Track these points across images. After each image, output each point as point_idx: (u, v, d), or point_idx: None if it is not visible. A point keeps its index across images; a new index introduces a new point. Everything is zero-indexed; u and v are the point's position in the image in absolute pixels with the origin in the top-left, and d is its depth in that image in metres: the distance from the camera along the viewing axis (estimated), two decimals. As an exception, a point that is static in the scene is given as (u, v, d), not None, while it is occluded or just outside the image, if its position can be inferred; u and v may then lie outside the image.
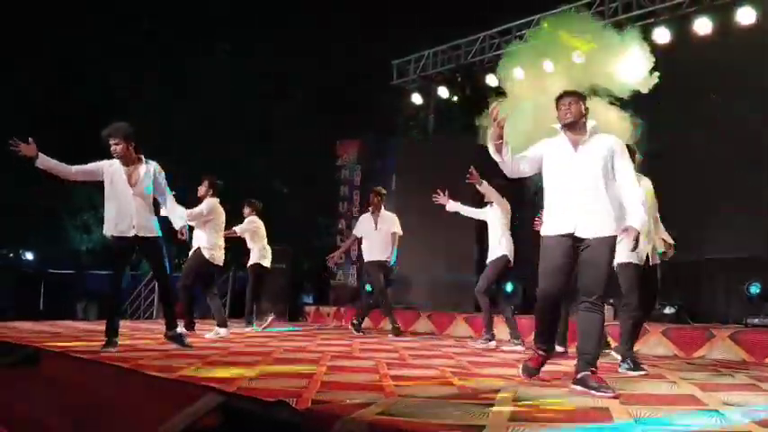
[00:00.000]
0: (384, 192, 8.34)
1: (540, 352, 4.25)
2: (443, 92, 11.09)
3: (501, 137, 4.07)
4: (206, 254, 7.08)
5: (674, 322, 7.22)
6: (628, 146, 4.33)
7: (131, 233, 5.46)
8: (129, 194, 5.46)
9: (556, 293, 4.05)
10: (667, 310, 7.13)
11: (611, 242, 3.95)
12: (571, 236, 3.97)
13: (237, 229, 8.19)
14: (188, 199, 7.07)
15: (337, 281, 12.44)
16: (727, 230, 7.87)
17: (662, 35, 8.45)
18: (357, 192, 12.56)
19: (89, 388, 4.39)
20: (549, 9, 9.43)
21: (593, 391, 3.69)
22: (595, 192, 3.95)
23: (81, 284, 14.33)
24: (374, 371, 4.50)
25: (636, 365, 4.87)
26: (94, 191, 15.28)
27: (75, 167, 5.52)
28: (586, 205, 3.95)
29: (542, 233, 4.14)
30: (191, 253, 7.27)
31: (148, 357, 4.88)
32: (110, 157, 5.53)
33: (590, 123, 4.10)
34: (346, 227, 12.53)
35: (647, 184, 5.03)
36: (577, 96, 4.11)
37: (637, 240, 3.90)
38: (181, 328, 6.86)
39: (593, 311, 3.95)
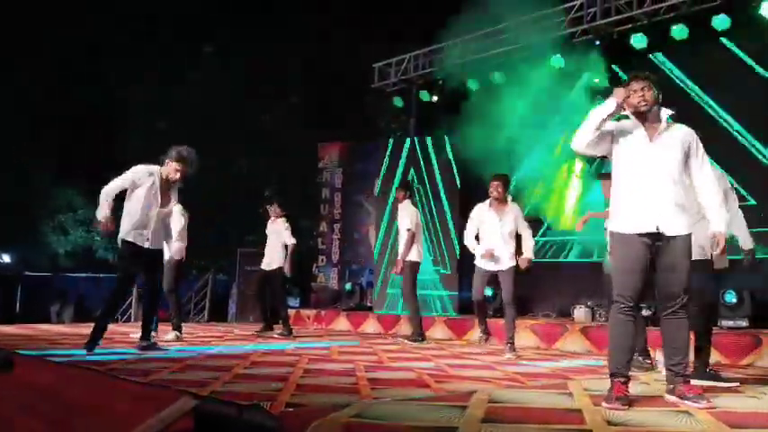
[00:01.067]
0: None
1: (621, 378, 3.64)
2: (424, 95, 11.11)
3: (618, 110, 3.72)
4: (178, 256, 7.19)
5: (650, 324, 7.28)
6: None
7: (145, 245, 5.62)
8: (155, 212, 5.64)
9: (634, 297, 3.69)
10: (644, 312, 7.17)
11: (690, 241, 3.68)
12: (650, 234, 3.64)
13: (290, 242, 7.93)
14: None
15: (318, 283, 12.43)
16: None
17: (640, 41, 8.55)
18: (338, 194, 12.56)
19: (63, 392, 4.34)
20: (527, 14, 9.51)
21: (687, 402, 3.47)
22: (674, 187, 3.66)
23: (57, 287, 14.17)
24: (351, 374, 4.50)
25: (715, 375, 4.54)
26: (74, 193, 15.15)
27: (112, 194, 5.58)
28: (665, 201, 3.64)
29: (612, 229, 3.80)
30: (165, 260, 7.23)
31: (123, 361, 4.84)
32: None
33: (665, 112, 3.78)
34: (328, 229, 12.52)
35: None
36: (650, 81, 3.76)
37: (725, 248, 3.69)
38: (172, 333, 7.01)
39: (679, 316, 3.68)
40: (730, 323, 7.13)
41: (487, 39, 9.83)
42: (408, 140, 11.11)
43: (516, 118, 9.04)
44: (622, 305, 3.68)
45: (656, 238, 3.65)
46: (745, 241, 4.67)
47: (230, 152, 13.40)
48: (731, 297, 7.28)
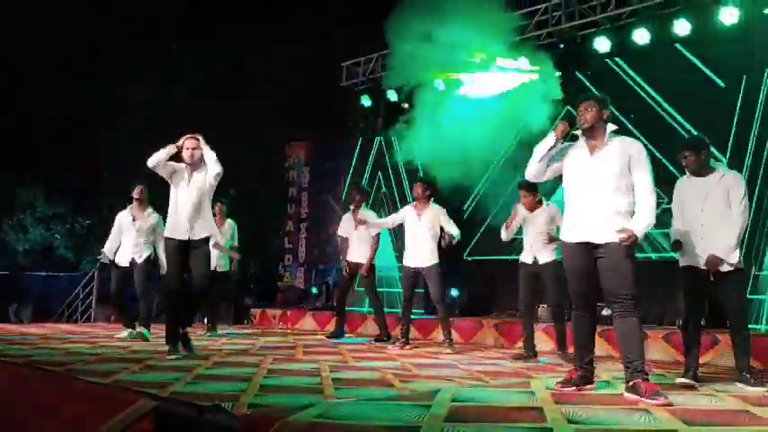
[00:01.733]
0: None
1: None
2: (391, 94, 11.12)
3: (558, 143, 4.09)
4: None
5: (611, 323, 7.41)
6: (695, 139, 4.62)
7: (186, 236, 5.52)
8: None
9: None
10: (605, 312, 7.29)
11: (627, 247, 3.87)
12: (588, 244, 3.96)
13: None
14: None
15: (285, 283, 12.36)
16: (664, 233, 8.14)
17: (602, 44, 8.69)
18: (305, 193, 12.51)
19: (20, 393, 4.24)
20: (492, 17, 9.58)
21: (644, 399, 3.58)
22: (613, 197, 3.91)
23: (16, 286, 13.84)
24: (315, 374, 4.48)
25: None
26: (36, 191, 14.78)
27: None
28: (602, 212, 3.92)
29: (561, 238, 4.17)
30: (143, 263, 7.33)
31: (82, 362, 4.75)
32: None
33: (610, 128, 4.04)
34: (294, 228, 12.46)
35: None
36: (594, 101, 4.05)
37: (634, 243, 3.85)
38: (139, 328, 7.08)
39: (626, 315, 3.87)
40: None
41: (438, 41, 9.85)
42: (376, 140, 11.12)
43: (473, 120, 9.12)
44: (575, 306, 4.10)
45: (594, 246, 3.94)
46: None
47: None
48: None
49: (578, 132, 4.12)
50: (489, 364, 5.51)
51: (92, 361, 4.82)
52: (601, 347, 6.76)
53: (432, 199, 6.92)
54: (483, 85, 8.92)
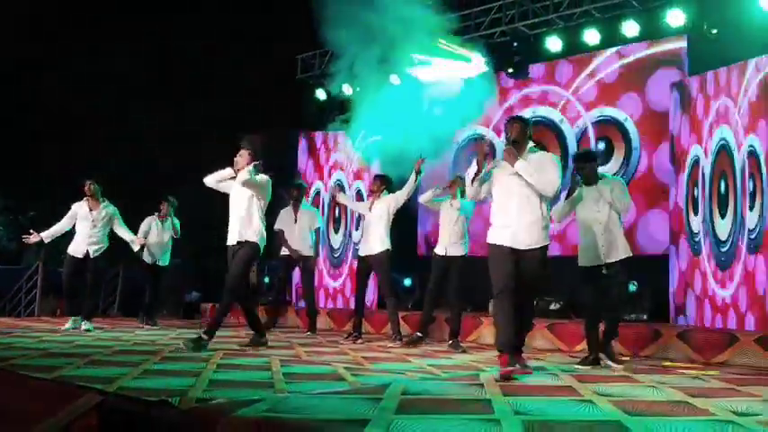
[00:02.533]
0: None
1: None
2: (347, 88, 11.08)
3: (480, 170, 4.63)
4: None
5: (559, 317, 7.59)
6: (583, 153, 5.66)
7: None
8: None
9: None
10: (553, 306, 7.47)
11: (544, 250, 4.57)
12: (510, 248, 4.52)
13: None
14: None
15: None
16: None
17: (555, 43, 8.84)
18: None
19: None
20: (449, 12, 9.64)
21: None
22: (529, 206, 4.52)
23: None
24: (266, 368, 4.46)
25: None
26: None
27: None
28: (520, 220, 4.52)
29: (488, 240, 4.64)
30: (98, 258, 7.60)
31: (25, 356, 4.63)
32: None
33: (530, 144, 4.66)
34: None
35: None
36: (516, 122, 4.69)
37: (509, 157, 4.51)
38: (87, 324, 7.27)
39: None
40: (632, 316, 7.51)
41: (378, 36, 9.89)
42: (330, 134, 11.08)
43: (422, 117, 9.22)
44: (500, 295, 4.54)
45: (516, 249, 4.52)
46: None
47: (147, 143, 12.95)
48: (633, 293, 7.67)
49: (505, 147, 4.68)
50: (440, 358, 5.57)
51: (35, 355, 4.69)
52: (549, 341, 6.92)
53: (384, 192, 7.13)
54: (431, 76, 9.09)
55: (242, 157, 6.11)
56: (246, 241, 5.92)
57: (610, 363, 5.17)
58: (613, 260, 5.23)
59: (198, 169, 12.34)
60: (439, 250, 6.75)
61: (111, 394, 3.18)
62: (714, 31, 7.39)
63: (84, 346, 5.52)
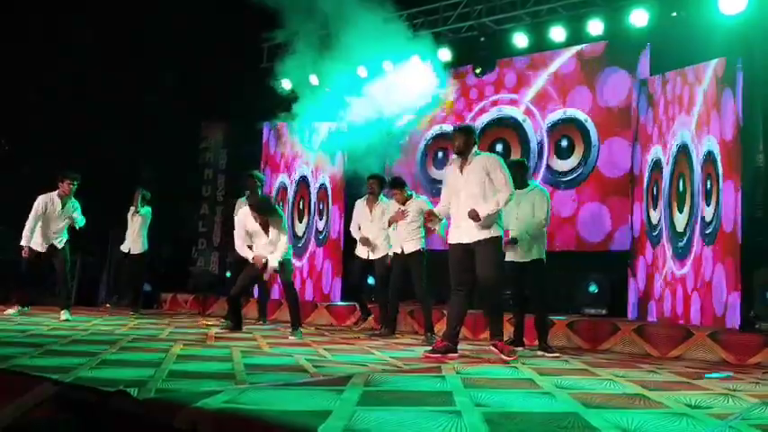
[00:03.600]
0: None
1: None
2: (314, 79, 11.00)
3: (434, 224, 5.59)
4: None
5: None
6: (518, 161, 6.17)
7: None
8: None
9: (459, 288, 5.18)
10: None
11: (491, 243, 5.08)
12: (464, 243, 5.12)
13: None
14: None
15: (197, 267, 12.06)
16: (570, 227, 8.49)
17: (521, 40, 8.91)
18: (222, 176, 12.21)
19: None
20: (417, 5, 9.67)
21: (503, 355, 4.96)
22: (476, 204, 5.01)
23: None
24: (228, 359, 4.42)
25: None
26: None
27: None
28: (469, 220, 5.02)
29: (449, 239, 5.27)
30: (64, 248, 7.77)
31: (-23, 346, 4.50)
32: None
33: (474, 149, 5.20)
34: (209, 211, 12.17)
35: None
36: (461, 132, 5.19)
37: (475, 219, 4.97)
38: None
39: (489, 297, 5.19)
40: (592, 311, 7.64)
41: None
42: (296, 126, 10.99)
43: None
44: (455, 288, 5.18)
45: (468, 244, 5.08)
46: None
47: (102, 128, 12.58)
48: (594, 288, 7.81)
49: (453, 157, 5.31)
50: (402, 351, 5.59)
51: (-13, 345, 4.57)
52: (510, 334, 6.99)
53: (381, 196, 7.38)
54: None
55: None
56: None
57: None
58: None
59: (154, 156, 12.02)
60: (395, 248, 6.91)
61: (68, 384, 3.12)
62: (674, 14, 7.54)
63: (40, 336, 5.40)
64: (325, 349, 5.38)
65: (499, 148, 9.27)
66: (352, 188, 9.42)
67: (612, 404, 3.23)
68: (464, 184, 5.13)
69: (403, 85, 9.38)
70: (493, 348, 5.06)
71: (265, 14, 8.91)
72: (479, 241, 5.05)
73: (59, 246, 7.61)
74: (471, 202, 5.04)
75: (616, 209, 8.22)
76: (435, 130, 10.10)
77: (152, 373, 3.61)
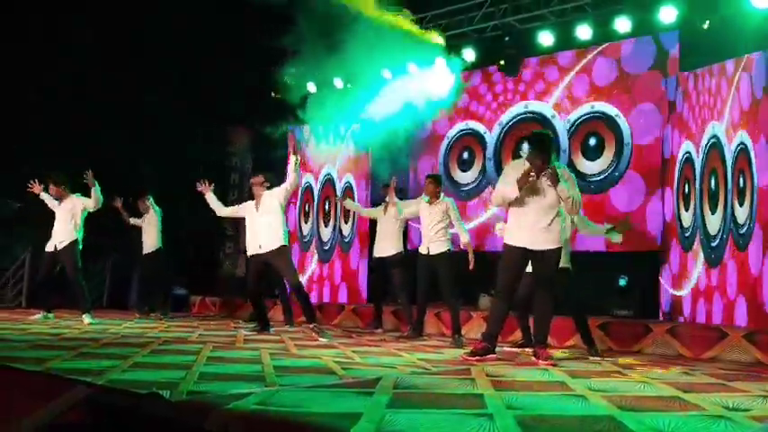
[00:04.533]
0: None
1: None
2: (338, 81, 11.04)
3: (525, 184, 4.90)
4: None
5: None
6: None
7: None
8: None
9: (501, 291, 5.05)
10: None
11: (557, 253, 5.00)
12: (526, 249, 4.94)
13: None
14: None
15: (225, 270, 12.15)
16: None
17: (547, 38, 8.83)
18: (248, 180, 12.28)
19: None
20: (442, 6, 9.65)
21: (540, 361, 4.84)
22: (549, 216, 4.92)
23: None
24: (257, 361, 4.43)
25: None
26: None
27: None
28: (536, 225, 4.91)
29: (506, 241, 5.04)
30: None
31: (12, 348, 4.57)
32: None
33: (551, 160, 4.93)
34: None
35: None
36: (539, 153, 4.89)
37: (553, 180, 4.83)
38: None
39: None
40: (622, 312, 7.54)
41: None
42: (321, 128, 11.03)
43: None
44: (500, 293, 5.06)
45: (531, 251, 4.94)
46: None
47: (102, 128, 12.52)
48: (623, 282, 7.71)
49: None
50: (431, 352, 5.56)
51: (22, 348, 4.64)
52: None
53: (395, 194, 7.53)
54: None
55: (260, 184, 6.72)
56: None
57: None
58: None
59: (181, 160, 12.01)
60: (422, 249, 6.83)
61: (100, 387, 3.14)
62: (706, 25, 7.41)
63: (73, 339, 5.47)
64: (353, 351, 5.37)
65: (526, 145, 9.18)
66: (378, 188, 9.41)
67: (648, 407, 3.16)
68: (540, 196, 4.92)
69: (424, 85, 9.45)
70: (533, 356, 4.99)
71: (287, 16, 8.98)
72: (547, 251, 4.92)
73: (60, 247, 7.49)
74: (545, 212, 4.91)
75: (646, 208, 8.09)
76: (459, 127, 10.03)
77: (183, 375, 3.63)
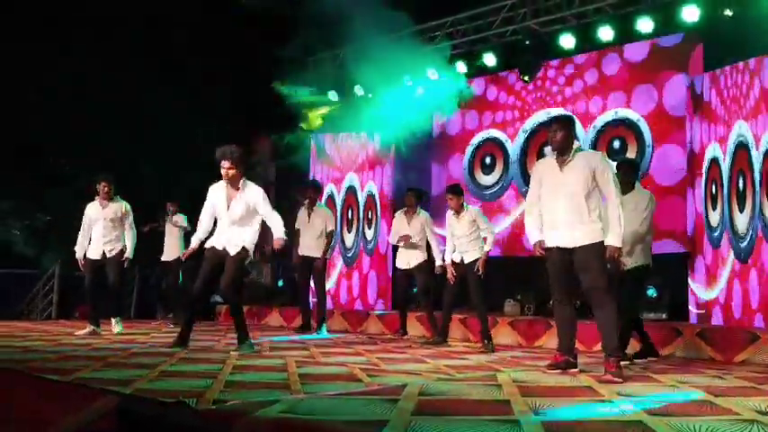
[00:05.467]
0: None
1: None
2: (359, 89, 11.07)
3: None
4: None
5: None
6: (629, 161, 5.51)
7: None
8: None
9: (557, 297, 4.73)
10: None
11: (594, 248, 4.51)
12: (564, 248, 4.60)
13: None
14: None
15: (250, 279, 12.22)
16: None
17: (568, 41, 8.78)
18: (272, 188, 12.36)
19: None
20: (461, 11, 9.65)
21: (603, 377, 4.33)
22: (578, 205, 4.54)
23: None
24: (282, 369, 4.45)
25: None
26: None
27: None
28: (567, 219, 4.58)
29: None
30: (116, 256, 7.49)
31: (42, 359, 4.64)
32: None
33: (576, 144, 4.68)
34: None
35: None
36: (561, 123, 4.69)
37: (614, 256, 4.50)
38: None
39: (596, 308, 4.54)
40: (651, 315, 7.43)
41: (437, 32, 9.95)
42: (341, 136, 11.06)
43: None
44: (557, 301, 4.75)
45: (565, 249, 4.58)
46: None
47: (102, 128, 12.55)
48: (652, 292, 7.59)
49: (547, 149, 4.83)
50: (456, 358, 5.53)
51: (52, 358, 4.70)
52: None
53: (419, 206, 7.56)
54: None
55: (229, 168, 5.71)
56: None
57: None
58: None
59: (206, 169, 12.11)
60: (456, 258, 6.78)
61: (128, 396, 3.18)
62: (729, 13, 7.30)
63: (101, 349, 5.54)
64: (378, 358, 5.37)
65: (548, 149, 9.12)
66: (401, 196, 9.40)
67: (678, 411, 3.12)
68: (564, 183, 4.60)
69: (442, 90, 9.52)
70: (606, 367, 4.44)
71: (312, 25, 9.04)
72: (582, 247, 4.53)
73: (110, 255, 7.28)
74: (573, 202, 4.54)
75: (672, 210, 7.97)
76: (482, 134, 10.02)
77: (209, 383, 3.66)
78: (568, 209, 4.55)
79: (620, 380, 4.20)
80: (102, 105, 11.75)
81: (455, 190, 6.84)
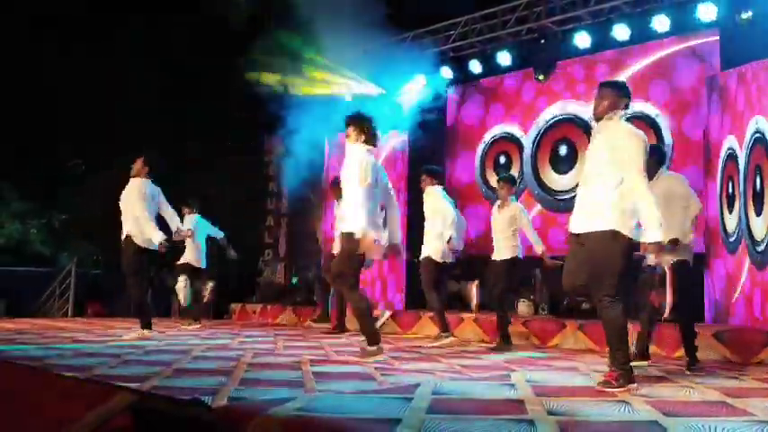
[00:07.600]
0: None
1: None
2: (372, 89, 11.07)
3: None
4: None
5: (591, 317, 7.48)
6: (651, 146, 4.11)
7: None
8: None
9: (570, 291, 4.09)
10: (585, 305, 7.37)
11: (606, 236, 3.74)
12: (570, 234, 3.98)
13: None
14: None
15: (264, 278, 12.27)
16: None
17: (583, 40, 8.73)
18: (286, 188, 12.40)
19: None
20: (475, 11, 9.64)
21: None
22: (596, 185, 3.82)
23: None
24: (296, 368, 4.46)
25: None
26: (8, 187, 14.36)
27: None
28: (585, 201, 3.91)
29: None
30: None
31: (59, 356, 4.69)
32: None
33: (617, 114, 3.92)
34: (274, 223, 12.37)
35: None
36: (604, 90, 4.04)
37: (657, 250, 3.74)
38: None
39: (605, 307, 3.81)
40: (667, 317, 7.36)
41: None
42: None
43: None
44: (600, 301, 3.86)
45: (577, 235, 3.91)
46: None
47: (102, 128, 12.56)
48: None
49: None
50: (469, 358, 5.52)
51: (69, 356, 4.76)
52: (581, 342, 6.83)
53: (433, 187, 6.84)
54: None
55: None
56: None
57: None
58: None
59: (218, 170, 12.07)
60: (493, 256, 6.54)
61: (145, 393, 3.21)
62: (746, 16, 7.22)
63: (117, 347, 5.59)
64: (391, 357, 5.37)
65: (563, 148, 9.11)
66: (415, 192, 9.39)
67: (694, 412, 3.09)
68: (588, 160, 3.91)
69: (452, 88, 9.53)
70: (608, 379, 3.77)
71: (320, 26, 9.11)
72: (589, 234, 3.81)
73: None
74: (587, 181, 3.91)
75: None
76: (495, 131, 9.99)
77: (225, 381, 3.68)
78: (584, 186, 3.99)
79: (613, 390, 3.66)
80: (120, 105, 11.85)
81: (510, 179, 6.49)
